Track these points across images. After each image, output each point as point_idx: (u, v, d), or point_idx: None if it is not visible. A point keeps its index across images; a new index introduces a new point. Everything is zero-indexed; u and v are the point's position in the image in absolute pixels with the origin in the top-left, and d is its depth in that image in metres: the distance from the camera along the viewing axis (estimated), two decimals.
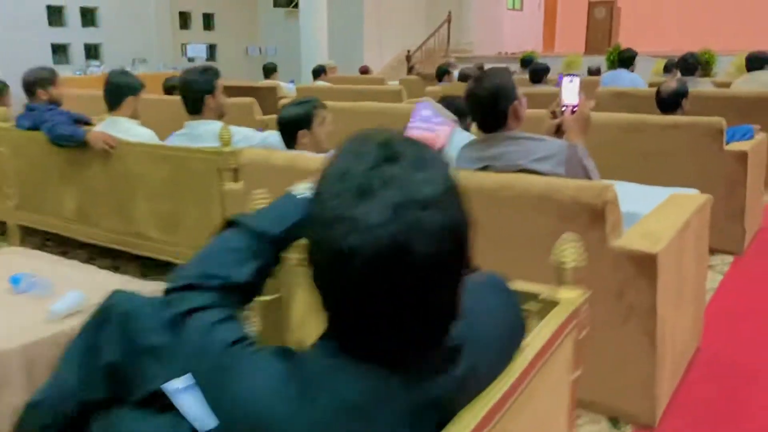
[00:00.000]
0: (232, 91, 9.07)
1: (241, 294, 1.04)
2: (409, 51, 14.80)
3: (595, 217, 1.92)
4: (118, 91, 3.26)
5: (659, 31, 16.77)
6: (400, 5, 15.87)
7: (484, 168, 2.19)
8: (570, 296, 1.23)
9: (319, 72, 8.04)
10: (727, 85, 6.15)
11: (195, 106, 3.02)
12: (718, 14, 16.52)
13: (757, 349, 2.67)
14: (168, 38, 14.48)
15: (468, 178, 2.14)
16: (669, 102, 3.86)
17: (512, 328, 0.98)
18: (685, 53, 5.90)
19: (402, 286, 0.73)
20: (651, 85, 7.23)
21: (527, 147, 2.14)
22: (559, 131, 2.51)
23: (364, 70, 10.53)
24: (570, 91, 2.47)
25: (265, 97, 8.33)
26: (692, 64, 5.75)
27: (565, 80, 2.48)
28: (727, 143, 3.75)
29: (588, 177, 2.18)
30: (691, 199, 2.48)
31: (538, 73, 6.48)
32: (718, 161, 3.67)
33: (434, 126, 2.71)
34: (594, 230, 1.93)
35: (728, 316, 3.00)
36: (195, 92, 3.01)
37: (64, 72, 8.34)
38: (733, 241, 3.78)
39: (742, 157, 3.62)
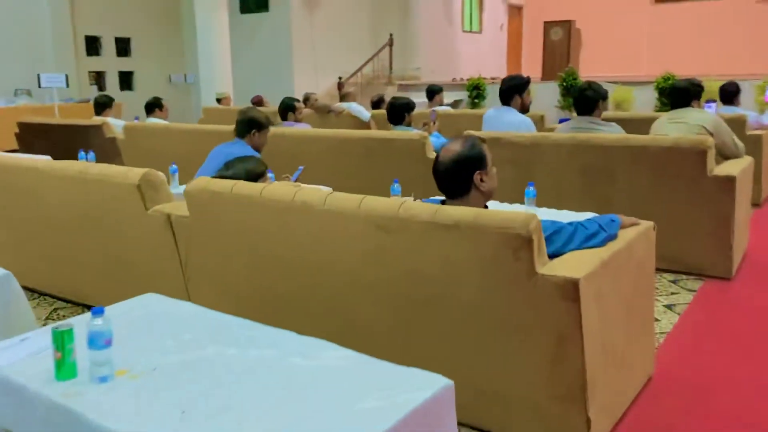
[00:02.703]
0: (45, 130, 7.43)
1: None
2: (340, 78, 13.16)
3: None
4: None
5: (625, 54, 15.12)
6: (338, 26, 14.29)
7: None
8: None
9: (152, 107, 6.36)
10: (649, 123, 4.43)
11: None
12: (692, 35, 14.89)
13: None
14: (70, 66, 12.85)
15: None
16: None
17: None
18: (583, 83, 4.20)
19: None
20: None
21: None
22: None
23: (257, 101, 8.87)
24: None
25: (91, 138, 6.67)
26: (590, 100, 4.04)
27: None
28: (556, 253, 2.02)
29: None
30: None
31: (396, 110, 4.77)
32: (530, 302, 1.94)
33: None
34: None
35: None
36: None
37: None
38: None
39: (571, 292, 1.88)
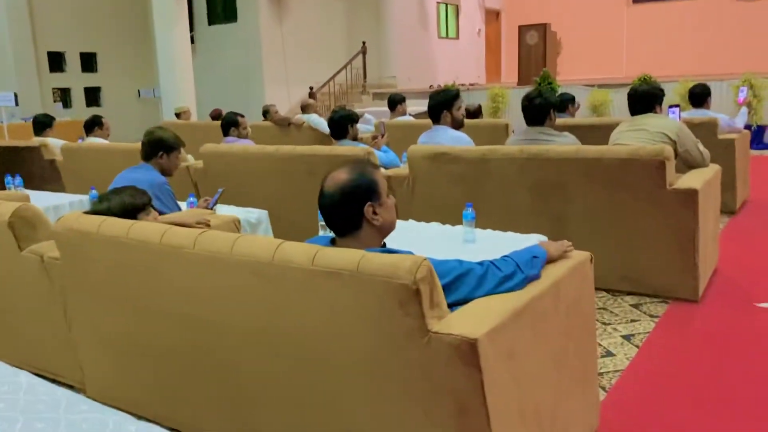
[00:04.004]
0: None
1: None
2: (312, 88, 12.82)
3: None
4: None
5: (603, 56, 14.85)
6: (310, 35, 13.96)
7: None
8: None
9: (92, 125, 5.99)
10: (610, 128, 4.09)
11: None
12: (670, 35, 14.65)
13: None
14: (33, 83, 12.48)
15: None
16: None
17: None
18: (532, 91, 3.87)
19: None
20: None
21: None
22: None
23: (216, 115, 8.51)
24: None
25: (30, 161, 6.30)
26: (540, 108, 3.70)
27: None
28: None
29: None
30: None
31: (338, 124, 4.42)
32: None
33: None
34: None
35: None
36: None
37: None
38: None
39: (468, 354, 1.52)
